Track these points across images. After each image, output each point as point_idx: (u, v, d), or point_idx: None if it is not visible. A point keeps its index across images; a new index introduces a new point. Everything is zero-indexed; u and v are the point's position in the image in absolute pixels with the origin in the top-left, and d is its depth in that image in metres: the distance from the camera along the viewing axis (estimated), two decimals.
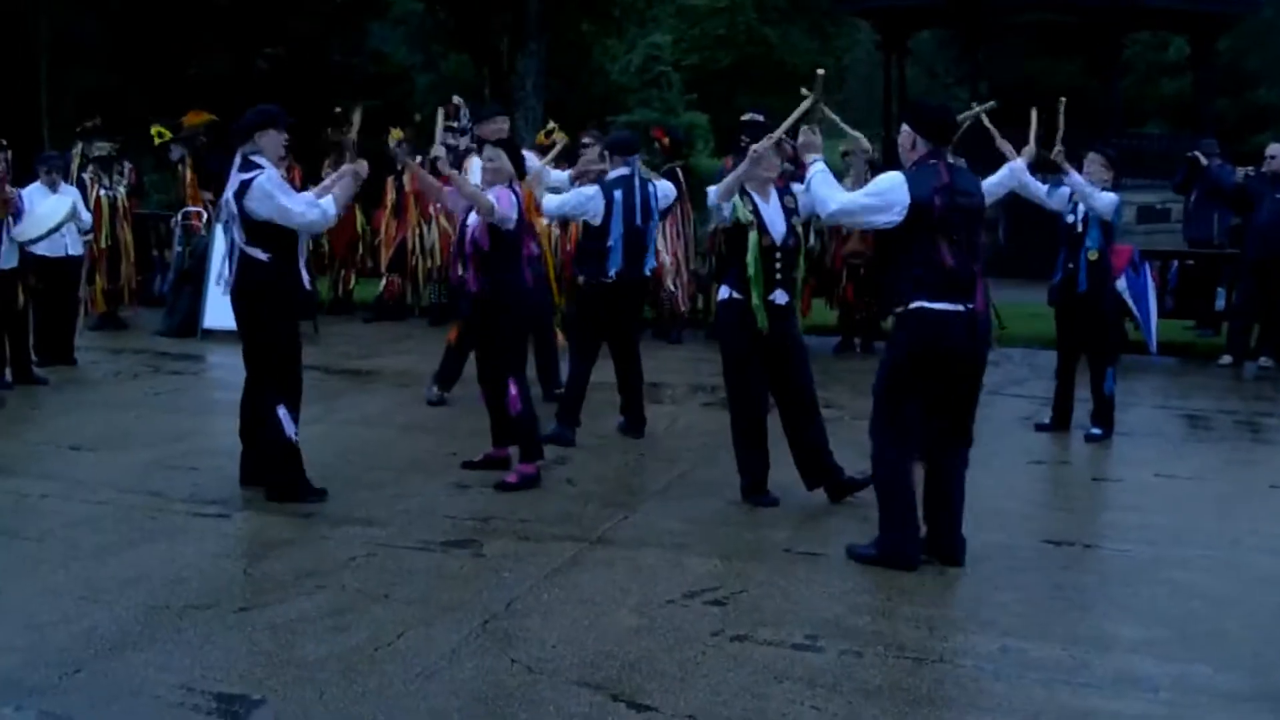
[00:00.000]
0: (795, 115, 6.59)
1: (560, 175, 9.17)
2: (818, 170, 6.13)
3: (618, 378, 8.51)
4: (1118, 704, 4.49)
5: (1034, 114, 8.52)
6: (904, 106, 6.25)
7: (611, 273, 8.10)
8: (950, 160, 5.95)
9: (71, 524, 6.49)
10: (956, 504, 5.97)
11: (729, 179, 6.77)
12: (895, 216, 5.71)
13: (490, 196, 6.99)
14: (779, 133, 6.72)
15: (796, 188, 6.67)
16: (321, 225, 7.00)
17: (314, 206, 6.82)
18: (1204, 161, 13.08)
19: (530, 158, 9.09)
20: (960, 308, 5.73)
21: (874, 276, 11.54)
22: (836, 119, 7.37)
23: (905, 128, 5.98)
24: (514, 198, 7.12)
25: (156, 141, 13.97)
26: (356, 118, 7.63)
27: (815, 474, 6.98)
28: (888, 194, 5.75)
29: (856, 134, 7.71)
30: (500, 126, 8.91)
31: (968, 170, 6.28)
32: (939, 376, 5.83)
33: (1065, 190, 8.58)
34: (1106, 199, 8.42)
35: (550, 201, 8.38)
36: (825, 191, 6.04)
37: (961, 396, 5.93)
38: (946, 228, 5.69)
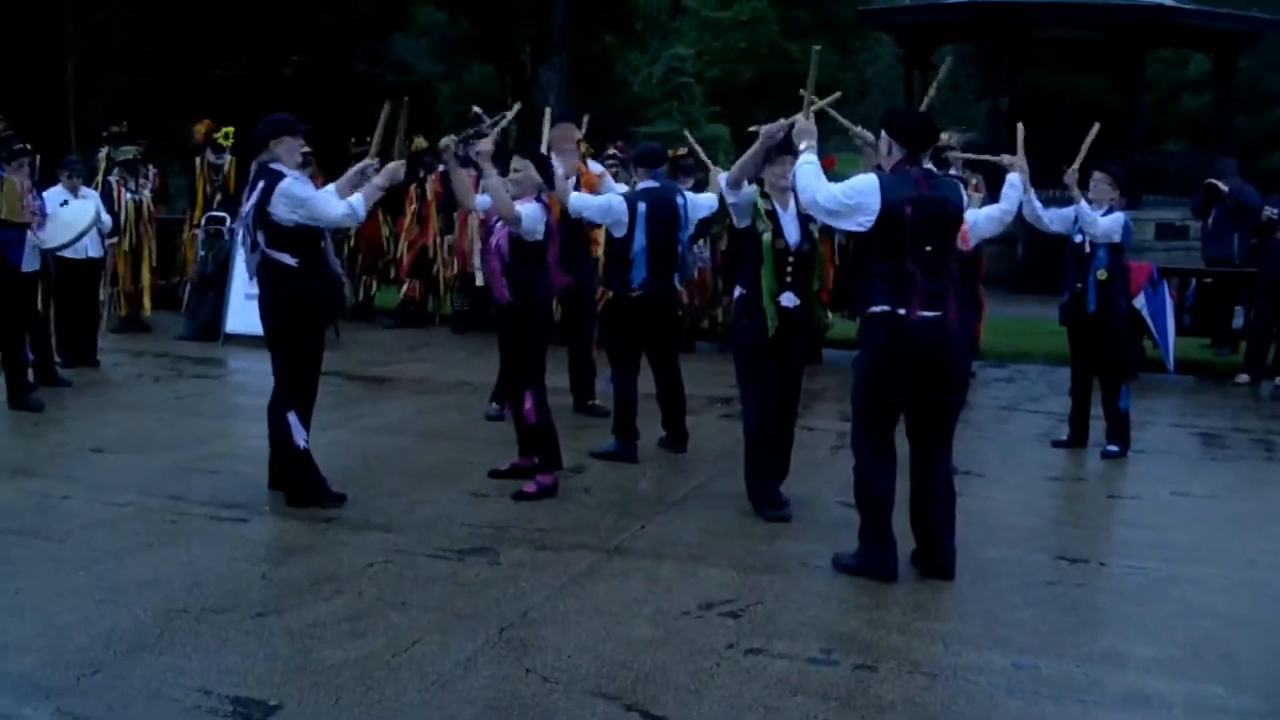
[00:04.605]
0: (810, 107, 6.51)
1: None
2: (806, 159, 6.06)
3: (657, 391, 8.44)
4: None
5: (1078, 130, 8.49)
6: (883, 114, 6.19)
7: (635, 285, 8.06)
8: (927, 167, 5.95)
9: (92, 526, 6.55)
10: (942, 516, 5.96)
11: (738, 164, 6.75)
12: (867, 218, 5.72)
13: (519, 207, 7.01)
14: (797, 118, 6.57)
15: None
16: (351, 221, 7.01)
17: (343, 202, 6.85)
18: (1223, 189, 13.05)
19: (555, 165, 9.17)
20: (927, 315, 5.71)
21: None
22: (849, 124, 7.34)
23: (883, 134, 5.99)
24: (543, 210, 7.15)
25: (227, 144, 14.04)
26: (388, 116, 7.35)
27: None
28: (861, 196, 5.74)
29: (860, 130, 7.55)
30: (568, 133, 9.06)
31: (948, 179, 6.29)
32: (908, 383, 5.83)
33: (1069, 211, 8.57)
34: (1106, 224, 8.40)
35: (575, 200, 8.23)
36: (808, 181, 5.96)
37: (936, 406, 5.93)
38: (917, 236, 5.69)
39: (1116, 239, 8.45)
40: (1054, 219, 8.59)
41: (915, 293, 5.69)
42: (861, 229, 5.79)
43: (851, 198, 5.77)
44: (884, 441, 5.94)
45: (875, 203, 5.69)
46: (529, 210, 7.01)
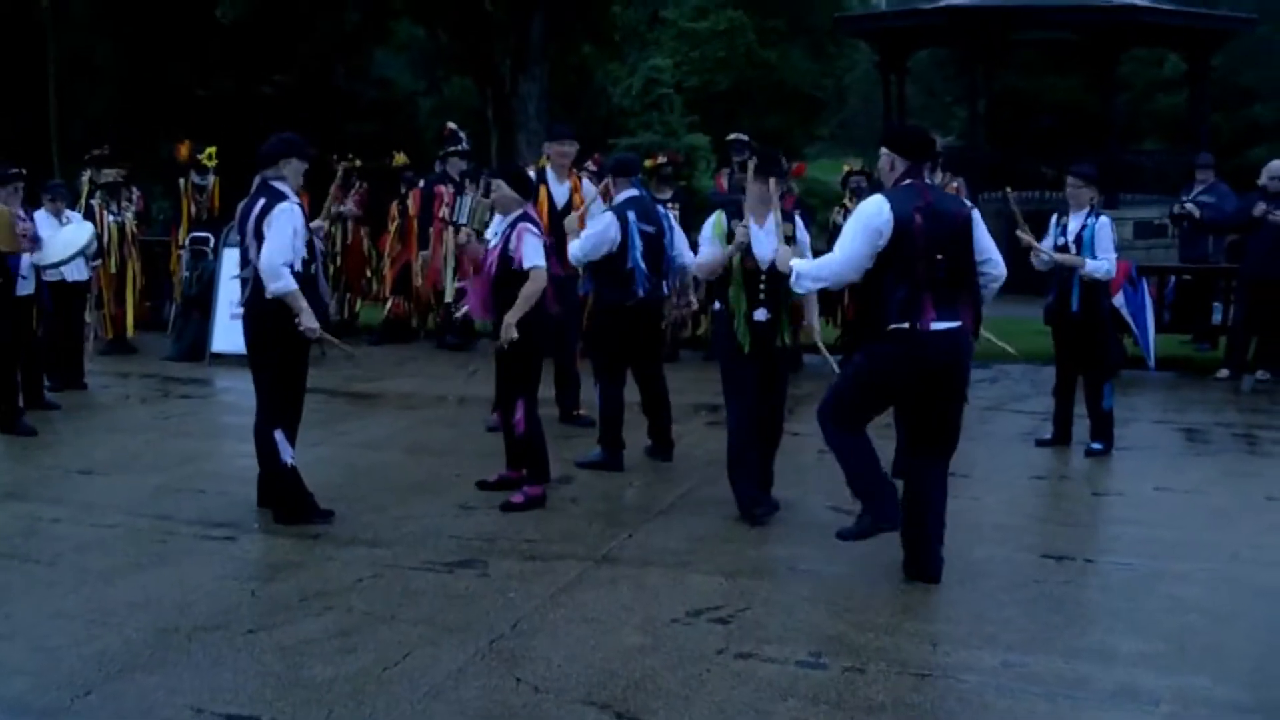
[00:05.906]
0: None
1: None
2: (797, 275, 6.18)
3: (642, 400, 8.45)
4: (1118, 717, 4.53)
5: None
6: (882, 131, 6.26)
7: (640, 294, 8.04)
8: (928, 180, 5.99)
9: (81, 547, 6.55)
10: (933, 522, 5.98)
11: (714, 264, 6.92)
12: (887, 232, 5.71)
13: (536, 273, 7.05)
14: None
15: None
16: (276, 285, 6.66)
17: (285, 268, 6.67)
18: (1198, 215, 13.13)
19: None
20: (945, 326, 5.74)
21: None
22: None
23: (884, 150, 6.02)
24: (536, 236, 7.13)
25: (211, 164, 13.99)
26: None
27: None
28: (873, 219, 5.74)
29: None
30: (566, 150, 9.20)
31: (941, 190, 6.33)
32: (920, 393, 5.86)
33: (1051, 221, 8.66)
34: (1103, 267, 8.53)
35: (574, 248, 8.18)
36: (815, 271, 6.10)
37: (943, 413, 5.95)
38: (929, 244, 5.71)
39: (1112, 267, 8.56)
40: (1041, 263, 8.70)
41: (929, 304, 5.70)
42: (880, 248, 5.77)
43: (864, 228, 5.77)
44: (860, 427, 6.00)
45: (887, 216, 5.70)
46: (536, 268, 7.05)
